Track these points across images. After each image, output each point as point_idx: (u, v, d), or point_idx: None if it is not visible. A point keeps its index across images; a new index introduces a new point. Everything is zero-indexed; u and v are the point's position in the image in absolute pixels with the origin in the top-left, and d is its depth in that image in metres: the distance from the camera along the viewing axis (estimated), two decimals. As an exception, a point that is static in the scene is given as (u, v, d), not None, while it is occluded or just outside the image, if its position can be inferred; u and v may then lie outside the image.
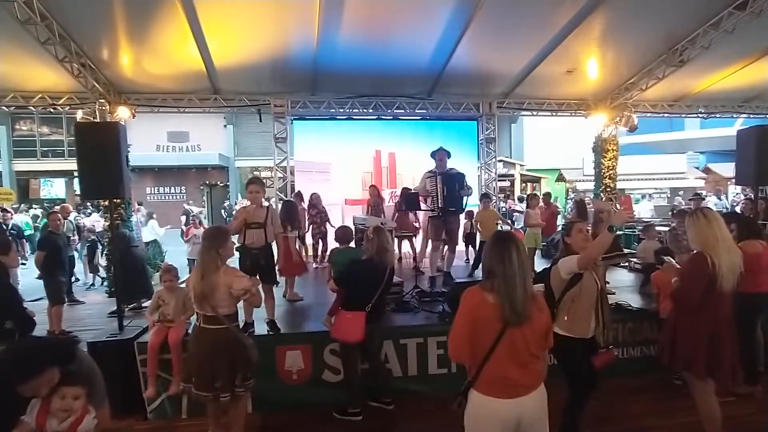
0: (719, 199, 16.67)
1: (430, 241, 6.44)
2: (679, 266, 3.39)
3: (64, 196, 22.96)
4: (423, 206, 6.22)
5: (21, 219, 14.07)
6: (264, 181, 4.83)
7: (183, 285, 5.16)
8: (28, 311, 3.31)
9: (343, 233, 4.75)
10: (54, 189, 23.87)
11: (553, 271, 2.96)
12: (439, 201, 5.78)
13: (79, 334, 5.21)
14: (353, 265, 4.00)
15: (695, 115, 11.44)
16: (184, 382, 3.23)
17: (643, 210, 15.53)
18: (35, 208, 18.37)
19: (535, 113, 10.76)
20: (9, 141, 22.56)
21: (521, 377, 2.05)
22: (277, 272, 4.76)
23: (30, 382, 1.93)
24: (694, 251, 2.96)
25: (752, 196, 6.79)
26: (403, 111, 9.83)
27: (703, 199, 10.93)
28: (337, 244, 4.85)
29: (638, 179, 20.83)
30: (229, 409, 3.25)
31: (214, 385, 3.04)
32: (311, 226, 8.58)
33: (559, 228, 11.27)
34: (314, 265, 8.45)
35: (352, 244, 4.98)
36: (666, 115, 11.04)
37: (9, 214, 10.42)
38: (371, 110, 9.74)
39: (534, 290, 2.15)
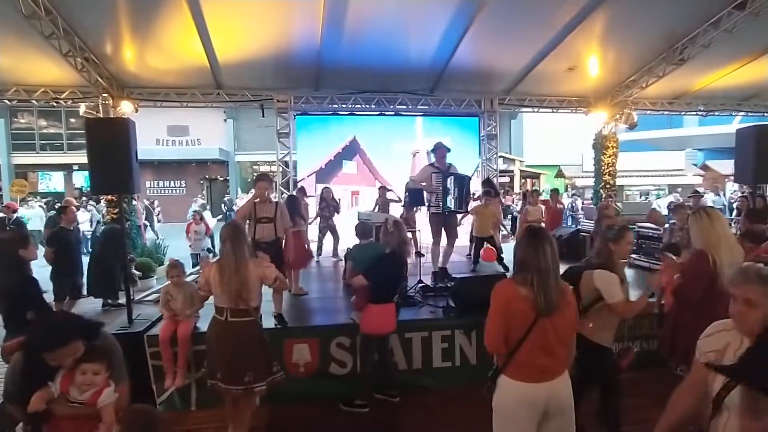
0: (717, 195, 16.79)
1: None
2: (680, 262, 3.46)
3: (63, 190, 22.91)
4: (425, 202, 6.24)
5: (22, 213, 14.04)
6: (271, 177, 4.91)
7: (191, 277, 5.26)
8: (48, 302, 3.39)
9: (363, 229, 4.78)
10: (53, 182, 23.81)
11: (585, 277, 2.94)
12: (450, 201, 5.78)
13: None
14: (380, 260, 4.02)
15: (695, 113, 11.54)
16: (209, 379, 3.27)
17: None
18: (35, 201, 18.34)
19: (536, 110, 10.83)
20: (7, 134, 22.47)
21: (549, 363, 2.20)
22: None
23: (57, 351, 2.08)
24: (696, 249, 3.03)
25: (749, 194, 6.88)
26: (405, 107, 9.88)
27: (702, 196, 11.00)
28: (356, 240, 4.87)
29: (637, 176, 20.93)
30: (240, 403, 3.32)
31: (244, 379, 3.11)
32: (319, 219, 8.62)
33: (564, 224, 11.38)
34: (315, 259, 8.48)
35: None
36: (666, 112, 11.14)
37: (10, 209, 10.41)
38: (374, 106, 9.80)
39: (564, 284, 2.31)
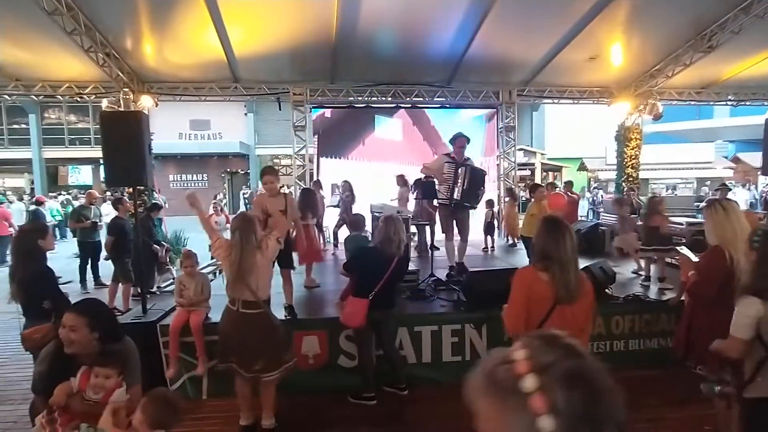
0: (748, 189, 16.19)
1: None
2: (697, 259, 3.33)
3: (91, 183, 23.59)
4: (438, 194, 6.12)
5: (49, 206, 14.51)
6: (278, 169, 4.94)
7: (208, 269, 5.35)
8: (64, 293, 3.48)
9: (355, 220, 4.79)
10: (81, 176, 24.56)
11: None
12: (457, 193, 5.60)
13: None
14: (359, 252, 4.08)
15: (724, 103, 11.11)
16: (222, 363, 3.37)
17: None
18: (63, 194, 18.98)
19: (556, 101, 10.60)
20: (38, 129, 23.23)
21: None
22: (295, 258, 4.86)
23: (70, 314, 2.20)
24: (712, 245, 2.90)
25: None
26: (421, 99, 9.80)
27: (730, 189, 10.61)
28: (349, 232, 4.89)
29: (663, 169, 20.30)
30: (261, 392, 3.41)
31: (254, 367, 3.25)
32: (338, 211, 8.62)
33: (581, 218, 11.11)
34: (332, 252, 8.52)
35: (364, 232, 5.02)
36: (693, 102, 10.76)
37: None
38: (390, 98, 9.73)
39: (582, 274, 2.37)
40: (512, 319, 2.34)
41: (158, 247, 7.14)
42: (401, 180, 8.61)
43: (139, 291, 4.87)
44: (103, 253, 7.08)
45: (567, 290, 2.23)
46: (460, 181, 5.60)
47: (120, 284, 6.45)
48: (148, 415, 1.95)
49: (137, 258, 6.04)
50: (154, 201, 8.53)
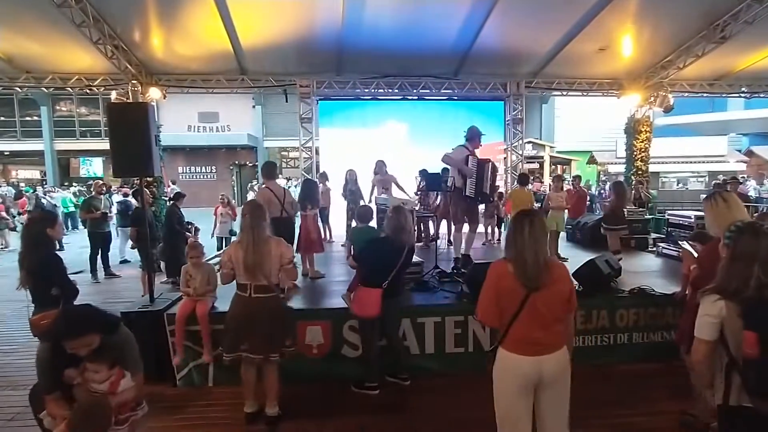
0: (761, 184, 15.93)
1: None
2: (697, 253, 3.30)
3: (102, 174, 23.86)
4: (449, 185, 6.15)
5: (61, 196, 14.73)
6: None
7: (215, 260, 5.41)
8: (72, 280, 3.54)
9: (363, 212, 4.82)
10: (93, 167, 24.85)
11: None
12: (486, 188, 5.77)
13: (116, 305, 5.49)
14: (371, 243, 4.08)
15: (737, 95, 10.94)
16: (231, 352, 3.38)
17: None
18: (75, 186, 19.24)
19: (565, 93, 10.50)
20: (50, 121, 23.49)
21: (544, 337, 2.26)
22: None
23: (72, 341, 2.27)
24: (714, 238, 2.87)
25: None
26: (428, 91, 9.76)
27: (741, 182, 10.44)
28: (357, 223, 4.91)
29: (674, 162, 20.01)
30: (264, 377, 3.47)
31: (267, 348, 3.33)
32: (347, 203, 8.63)
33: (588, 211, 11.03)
34: (342, 243, 8.53)
35: (373, 224, 5.04)
36: (705, 95, 10.60)
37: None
38: (396, 90, 9.70)
39: (551, 260, 2.33)
40: (481, 311, 2.39)
41: (190, 234, 7.14)
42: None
43: (147, 280, 4.91)
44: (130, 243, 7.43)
45: (525, 274, 2.20)
46: (487, 177, 5.70)
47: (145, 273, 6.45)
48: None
49: (163, 246, 6.35)
50: (177, 191, 8.60)
